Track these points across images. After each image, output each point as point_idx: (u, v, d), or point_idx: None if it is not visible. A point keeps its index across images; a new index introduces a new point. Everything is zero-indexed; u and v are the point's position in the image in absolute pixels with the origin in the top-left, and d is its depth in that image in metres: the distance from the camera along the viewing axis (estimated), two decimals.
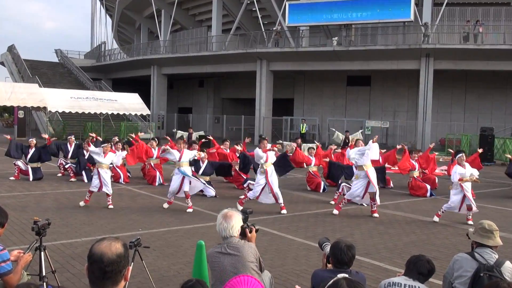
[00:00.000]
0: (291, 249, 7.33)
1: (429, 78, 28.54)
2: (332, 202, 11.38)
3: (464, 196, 9.50)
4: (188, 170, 10.49)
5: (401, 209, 11.03)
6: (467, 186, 9.54)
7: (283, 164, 12.12)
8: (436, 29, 29.80)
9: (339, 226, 9.10)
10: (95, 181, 10.45)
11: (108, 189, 10.40)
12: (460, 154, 9.90)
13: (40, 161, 14.55)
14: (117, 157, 11.26)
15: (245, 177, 13.12)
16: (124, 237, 7.37)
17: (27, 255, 3.92)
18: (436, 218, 9.75)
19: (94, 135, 15.25)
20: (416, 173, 13.43)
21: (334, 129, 18.17)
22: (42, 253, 4.63)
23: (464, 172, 9.52)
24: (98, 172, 10.42)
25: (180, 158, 10.36)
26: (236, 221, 3.82)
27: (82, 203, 10.37)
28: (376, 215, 9.98)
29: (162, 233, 8.10)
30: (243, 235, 3.95)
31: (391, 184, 14.45)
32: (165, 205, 10.54)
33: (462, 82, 31.74)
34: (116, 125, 35.41)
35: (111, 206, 10.26)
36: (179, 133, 24.55)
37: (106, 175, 10.48)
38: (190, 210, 10.12)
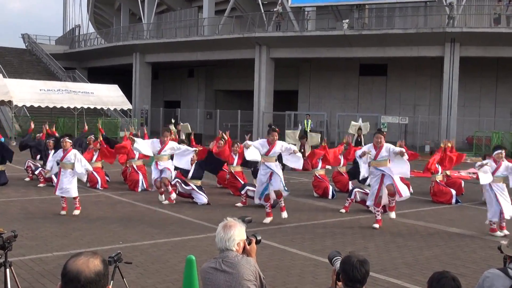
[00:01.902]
0: (296, 265, 7.35)
1: (454, 67, 28.54)
2: (343, 210, 11.41)
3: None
4: (168, 164, 10.74)
5: (422, 218, 11.04)
6: (501, 187, 9.49)
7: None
8: (462, 10, 29.82)
9: (351, 238, 9.12)
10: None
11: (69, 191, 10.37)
12: (499, 151, 9.64)
13: (3, 162, 14.51)
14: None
15: (242, 182, 13.13)
16: (103, 251, 7.37)
17: None
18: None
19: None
20: (439, 177, 13.41)
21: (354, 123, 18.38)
22: (8, 270, 4.63)
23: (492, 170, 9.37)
24: (59, 173, 10.48)
25: (160, 150, 10.34)
26: (235, 233, 3.82)
27: (63, 212, 10.39)
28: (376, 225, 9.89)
29: (146, 247, 8.11)
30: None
31: (411, 190, 14.45)
32: (165, 202, 11.36)
33: (492, 71, 31.76)
34: (92, 122, 35.36)
35: (63, 212, 10.30)
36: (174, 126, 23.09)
37: (68, 175, 10.40)
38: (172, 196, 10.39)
